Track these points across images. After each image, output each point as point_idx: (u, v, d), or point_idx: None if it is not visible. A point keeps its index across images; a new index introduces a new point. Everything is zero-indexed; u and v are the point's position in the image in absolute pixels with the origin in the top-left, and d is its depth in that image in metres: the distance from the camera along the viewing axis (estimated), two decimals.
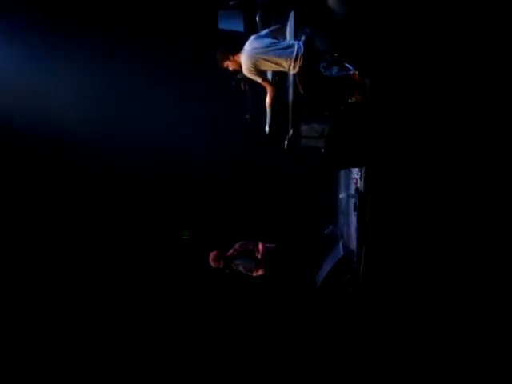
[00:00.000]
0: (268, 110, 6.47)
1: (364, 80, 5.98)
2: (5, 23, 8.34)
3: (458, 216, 5.44)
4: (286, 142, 6.47)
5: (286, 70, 6.09)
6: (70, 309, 8.95)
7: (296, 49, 5.98)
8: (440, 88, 5.41)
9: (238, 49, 6.24)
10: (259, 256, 7.46)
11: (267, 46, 6.09)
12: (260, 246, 7.53)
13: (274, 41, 6.19)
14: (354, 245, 6.57)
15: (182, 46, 8.96)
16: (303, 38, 6.18)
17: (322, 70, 6.15)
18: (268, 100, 6.38)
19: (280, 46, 6.09)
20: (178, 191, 9.34)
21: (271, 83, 6.38)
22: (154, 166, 9.23)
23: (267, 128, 6.74)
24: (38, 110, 8.73)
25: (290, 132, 6.43)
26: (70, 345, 8.72)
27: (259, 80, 6.25)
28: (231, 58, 6.29)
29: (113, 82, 9.02)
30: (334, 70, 6.22)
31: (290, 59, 5.96)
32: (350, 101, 6.17)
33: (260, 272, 7.50)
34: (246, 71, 6.20)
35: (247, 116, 6.98)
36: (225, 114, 8.78)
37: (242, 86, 6.94)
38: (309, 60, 5.95)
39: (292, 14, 6.68)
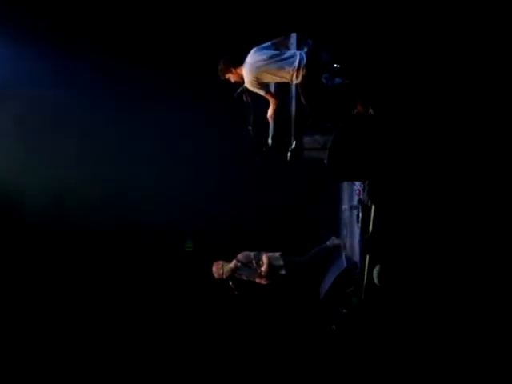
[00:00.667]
0: (270, 121, 6.48)
1: (366, 92, 6.00)
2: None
3: (462, 228, 5.43)
4: (288, 154, 6.46)
5: (289, 80, 6.10)
6: (72, 319, 8.93)
7: (298, 59, 5.99)
8: (443, 100, 5.42)
9: (240, 62, 6.25)
10: (264, 268, 7.45)
11: (269, 58, 6.09)
12: (264, 258, 7.51)
13: (277, 52, 6.20)
14: (357, 256, 6.56)
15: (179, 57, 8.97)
16: (306, 49, 6.19)
17: (324, 80, 6.15)
18: (270, 112, 6.38)
19: (282, 57, 6.09)
20: (181, 203, 9.32)
21: (274, 95, 6.39)
22: (156, 176, 9.24)
23: (270, 140, 6.75)
24: None
25: (293, 144, 6.43)
26: (70, 347, 8.70)
27: (262, 93, 6.25)
28: (233, 70, 6.30)
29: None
30: (337, 80, 6.23)
31: (293, 69, 5.96)
32: (352, 112, 6.18)
33: (263, 281, 7.49)
34: (248, 84, 6.20)
35: (249, 128, 6.98)
36: (227, 125, 8.78)
37: (244, 98, 6.95)
38: (312, 70, 5.96)
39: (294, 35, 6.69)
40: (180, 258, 9.29)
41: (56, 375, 8.59)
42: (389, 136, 5.55)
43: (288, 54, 6.16)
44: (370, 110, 5.92)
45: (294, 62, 5.98)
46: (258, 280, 7.53)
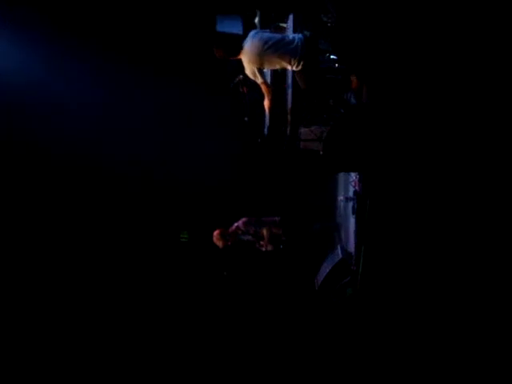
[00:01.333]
0: (267, 112, 6.47)
1: (362, 81, 6.00)
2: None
3: (457, 218, 5.44)
4: (284, 145, 6.46)
5: (289, 67, 6.06)
6: (67, 311, 8.92)
7: (299, 46, 5.95)
8: (439, 92, 5.42)
9: (237, 51, 6.19)
10: (265, 238, 7.46)
11: (269, 44, 6.04)
12: (264, 231, 7.49)
13: (276, 37, 6.14)
14: (352, 247, 6.57)
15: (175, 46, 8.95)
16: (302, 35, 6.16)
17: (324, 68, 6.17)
18: (266, 102, 6.36)
19: (282, 43, 6.05)
20: (177, 194, 9.32)
21: (270, 85, 6.37)
22: (152, 167, 9.24)
23: (266, 130, 6.75)
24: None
25: (289, 134, 6.43)
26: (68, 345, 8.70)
27: (259, 81, 6.21)
28: (231, 58, 6.25)
29: (112, 79, 9.02)
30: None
31: (295, 57, 5.94)
32: (347, 103, 6.19)
33: (265, 247, 7.49)
34: (247, 70, 6.14)
35: (246, 118, 6.97)
36: (223, 115, 8.77)
37: (240, 88, 6.93)
38: (311, 58, 5.94)
39: (291, 17, 6.68)
40: (175, 249, 9.28)
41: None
42: (385, 127, 5.56)
43: (287, 39, 6.11)
44: (365, 88, 5.91)
45: (294, 50, 5.94)
46: (258, 245, 7.52)
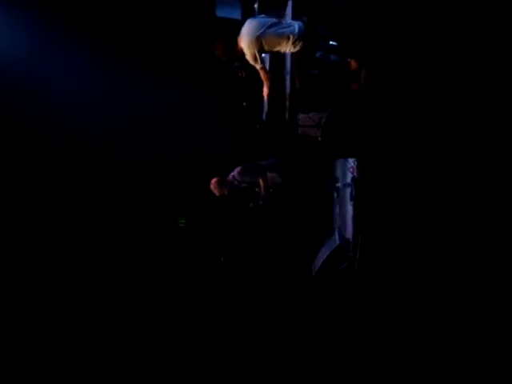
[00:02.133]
0: (265, 97, 6.47)
1: (361, 68, 5.99)
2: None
3: (455, 206, 5.45)
4: (282, 130, 6.46)
5: (286, 49, 6.05)
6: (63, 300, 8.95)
7: (297, 27, 5.95)
8: (438, 78, 5.41)
9: (235, 39, 6.17)
10: (262, 186, 7.44)
11: (267, 26, 6.03)
12: (261, 181, 7.47)
13: (275, 20, 6.13)
14: (349, 234, 6.58)
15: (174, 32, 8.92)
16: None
17: (320, 58, 6.14)
18: (265, 88, 6.36)
19: (280, 25, 6.05)
20: (174, 179, 9.32)
21: (267, 71, 6.36)
22: (151, 154, 9.23)
23: (264, 116, 6.74)
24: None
25: (287, 120, 6.42)
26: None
27: (258, 66, 6.20)
28: (231, 49, 6.23)
29: (112, 70, 9.00)
30: (332, 57, 6.22)
31: (293, 37, 5.93)
32: (346, 90, 6.18)
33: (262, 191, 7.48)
34: (248, 56, 6.12)
35: (244, 104, 6.96)
36: (222, 102, 8.76)
37: (239, 74, 6.92)
38: (309, 40, 5.92)
39: (290, 3, 6.66)
40: (173, 234, 9.30)
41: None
42: (383, 114, 5.55)
43: (285, 23, 6.11)
44: (363, 87, 5.91)
45: (294, 30, 5.94)
46: (261, 182, 7.50)
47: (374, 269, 5.91)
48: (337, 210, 7.57)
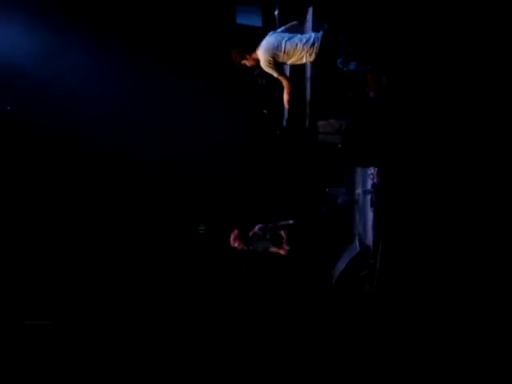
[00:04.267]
0: (285, 104, 6.48)
1: (381, 76, 5.96)
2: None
3: (476, 213, 5.41)
4: (303, 137, 6.46)
5: (303, 60, 6.08)
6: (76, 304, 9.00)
7: (313, 38, 5.98)
8: (456, 87, 5.38)
9: (254, 47, 6.25)
10: (284, 240, 7.47)
11: (284, 38, 6.09)
12: (282, 232, 7.51)
13: (293, 35, 6.19)
14: (370, 241, 6.56)
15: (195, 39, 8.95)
16: (321, 32, 6.17)
17: (340, 65, 6.13)
18: (285, 95, 6.37)
19: (298, 37, 6.09)
20: (195, 186, 9.35)
21: (287, 77, 6.38)
22: (172, 160, 9.26)
23: (284, 123, 6.74)
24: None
25: (307, 127, 6.42)
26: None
27: (275, 74, 6.25)
28: (247, 56, 6.30)
29: (124, 73, 9.04)
30: (352, 65, 6.20)
31: (307, 46, 5.96)
32: (364, 91, 6.16)
33: (281, 250, 7.50)
34: (263, 64, 6.19)
35: (265, 111, 6.98)
36: (242, 108, 8.78)
37: (260, 81, 6.95)
38: (325, 48, 5.94)
39: (311, 10, 6.67)
40: (193, 241, 9.32)
41: None
42: (402, 121, 5.53)
43: (304, 36, 6.16)
44: (382, 89, 5.88)
45: (309, 41, 5.98)
46: (275, 249, 7.54)
47: (394, 276, 5.88)
48: (357, 217, 7.55)
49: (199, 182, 9.32)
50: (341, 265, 7.06)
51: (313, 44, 5.97)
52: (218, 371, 8.19)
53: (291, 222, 7.70)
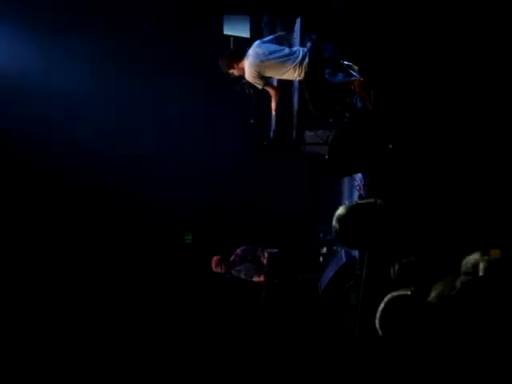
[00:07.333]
0: (273, 114, 6.48)
1: (369, 86, 5.98)
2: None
3: (465, 224, 5.41)
4: (290, 148, 6.47)
5: (291, 77, 6.08)
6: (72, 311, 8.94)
7: (301, 55, 5.98)
8: (446, 97, 5.39)
9: (242, 55, 6.25)
10: (264, 262, 7.46)
11: (271, 53, 6.09)
12: (266, 253, 7.51)
13: (279, 47, 6.19)
14: (356, 252, 6.56)
15: (183, 48, 8.94)
16: (309, 44, 6.18)
17: (327, 76, 6.14)
18: (273, 105, 6.38)
19: (284, 53, 6.09)
20: (181, 196, 9.32)
21: (274, 87, 6.38)
22: (157, 171, 9.23)
23: (272, 133, 6.74)
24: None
25: (295, 138, 6.43)
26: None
27: (260, 86, 6.25)
28: (235, 65, 6.29)
29: (113, 83, 9.01)
30: (340, 76, 6.22)
31: (295, 66, 5.96)
32: (353, 107, 6.18)
33: (261, 278, 7.49)
34: (248, 77, 6.20)
35: (252, 121, 6.97)
36: (228, 119, 8.78)
37: (247, 91, 6.94)
38: (314, 67, 5.95)
39: (299, 21, 6.68)
40: (179, 250, 9.29)
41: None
42: (390, 132, 5.54)
43: (289, 51, 6.16)
44: (369, 95, 5.89)
45: (296, 59, 5.97)
46: (255, 278, 7.53)
47: (380, 287, 5.87)
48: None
49: (186, 191, 9.29)
50: (327, 275, 7.06)
51: (301, 62, 5.96)
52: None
53: (276, 251, 7.69)
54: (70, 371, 8.35)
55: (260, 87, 6.27)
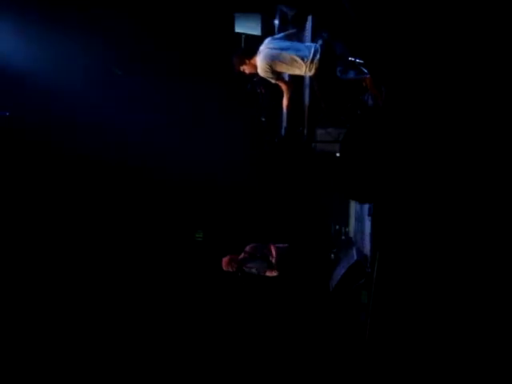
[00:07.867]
0: (285, 111, 6.46)
1: (380, 84, 5.98)
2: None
3: (475, 225, 5.41)
4: (301, 145, 6.46)
5: (302, 73, 6.07)
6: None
7: (313, 51, 5.97)
8: (456, 99, 5.39)
9: (253, 52, 6.25)
10: (272, 259, 7.46)
11: (282, 49, 6.08)
12: (272, 249, 7.52)
13: (290, 44, 6.18)
14: (367, 250, 6.56)
15: (193, 47, 8.96)
16: (320, 41, 6.17)
17: (339, 73, 6.13)
18: (285, 101, 6.35)
19: (295, 48, 6.08)
20: (192, 193, 9.35)
21: (286, 82, 6.36)
22: (170, 168, 9.26)
23: (283, 131, 6.73)
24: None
25: (306, 135, 6.42)
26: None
27: (273, 80, 6.23)
28: (247, 61, 6.29)
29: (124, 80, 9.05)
30: (351, 73, 6.21)
31: (306, 62, 5.95)
32: (365, 105, 6.17)
33: (274, 273, 7.50)
34: (261, 71, 6.18)
35: (263, 118, 6.97)
36: (240, 116, 8.79)
37: (258, 89, 6.94)
38: (325, 63, 5.93)
39: (310, 18, 6.68)
40: (190, 248, 9.31)
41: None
42: (402, 130, 5.54)
43: (301, 46, 6.15)
44: (381, 93, 5.88)
45: (307, 55, 5.96)
46: (267, 273, 7.53)
47: (391, 285, 5.88)
48: (355, 226, 7.55)
49: (197, 189, 9.31)
50: (338, 273, 7.05)
51: (312, 59, 5.96)
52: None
53: (285, 246, 7.70)
54: (73, 369, 8.36)
55: (273, 81, 6.24)
